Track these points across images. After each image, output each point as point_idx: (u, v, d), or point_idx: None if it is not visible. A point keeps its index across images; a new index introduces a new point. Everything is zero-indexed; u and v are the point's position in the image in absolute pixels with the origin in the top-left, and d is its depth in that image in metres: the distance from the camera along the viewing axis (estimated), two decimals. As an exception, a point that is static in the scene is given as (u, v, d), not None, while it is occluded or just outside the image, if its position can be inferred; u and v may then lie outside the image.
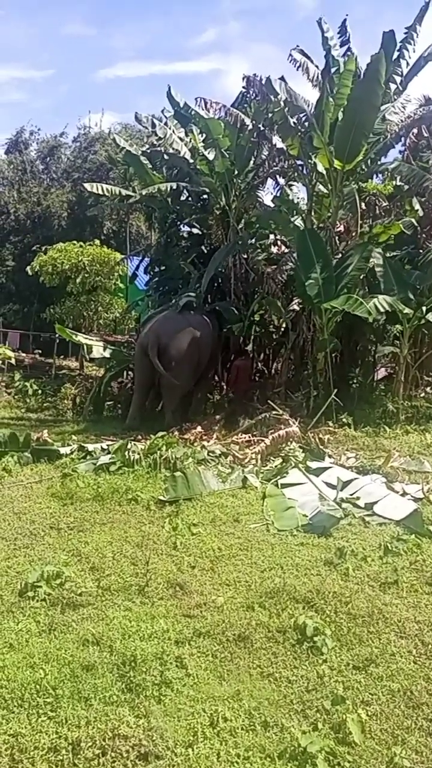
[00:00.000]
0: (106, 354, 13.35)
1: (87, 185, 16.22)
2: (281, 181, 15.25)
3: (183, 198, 15.72)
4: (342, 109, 11.52)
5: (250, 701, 3.54)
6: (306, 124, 12.37)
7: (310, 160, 12.78)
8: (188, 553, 5.43)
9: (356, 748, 3.22)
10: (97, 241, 19.20)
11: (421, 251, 13.38)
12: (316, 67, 12.95)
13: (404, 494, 7.16)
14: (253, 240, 15.19)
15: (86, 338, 13.69)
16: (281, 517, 6.33)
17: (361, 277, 11.95)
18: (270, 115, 12.54)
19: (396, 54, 11.84)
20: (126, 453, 8.03)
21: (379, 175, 13.98)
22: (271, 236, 15.55)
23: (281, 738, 3.28)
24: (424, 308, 11.61)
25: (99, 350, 13.28)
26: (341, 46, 12.95)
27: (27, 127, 31.28)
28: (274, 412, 10.17)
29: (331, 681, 3.73)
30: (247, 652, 4.02)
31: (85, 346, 13.30)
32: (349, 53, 12.71)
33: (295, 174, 14.28)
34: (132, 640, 4.04)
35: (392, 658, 3.94)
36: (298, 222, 13.79)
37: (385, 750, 3.20)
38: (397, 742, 3.27)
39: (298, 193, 15.46)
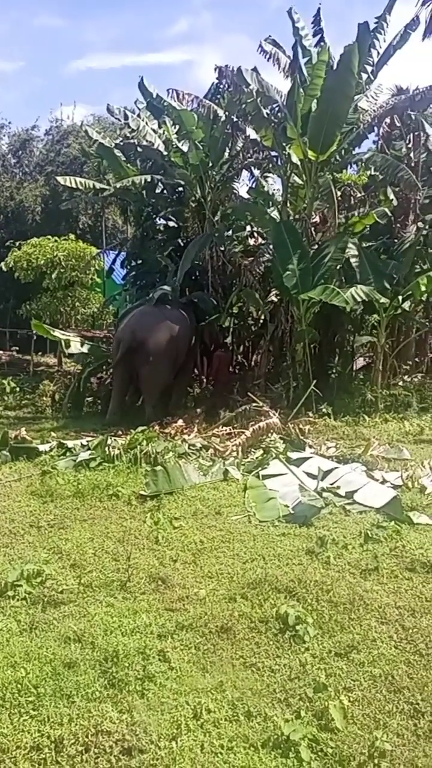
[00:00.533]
0: (84, 349, 13.24)
1: (60, 178, 16.02)
2: (256, 172, 15.23)
3: (158, 191, 15.62)
4: (315, 100, 11.52)
5: (233, 692, 3.54)
6: (279, 114, 12.36)
7: (284, 151, 12.77)
8: (170, 547, 5.42)
9: (339, 734, 3.24)
10: (72, 236, 18.97)
11: (396, 241, 13.50)
12: (288, 57, 12.93)
13: (384, 482, 7.24)
14: (230, 232, 15.17)
15: (63, 334, 13.56)
16: (263, 508, 6.35)
17: (338, 267, 12.01)
18: (243, 106, 12.51)
19: (367, 43, 11.84)
20: (106, 449, 7.98)
21: (353, 166, 14.05)
22: (248, 228, 15.55)
23: (264, 727, 3.29)
24: (400, 297, 11.72)
25: (77, 346, 13.16)
26: (314, 35, 12.94)
27: (-3, 121, 30.74)
28: (254, 404, 10.20)
29: (314, 669, 3.75)
30: (230, 644, 4.02)
31: (62, 342, 13.18)
32: (322, 43, 12.71)
33: (270, 165, 14.27)
34: (114, 636, 4.01)
35: (373, 644, 3.98)
36: (274, 213, 13.80)
37: (366, 734, 3.22)
38: (378, 726, 3.30)
39: (274, 184, 15.49)
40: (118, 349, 11.61)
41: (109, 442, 8.24)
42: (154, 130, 15.11)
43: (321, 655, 3.89)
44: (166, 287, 12.78)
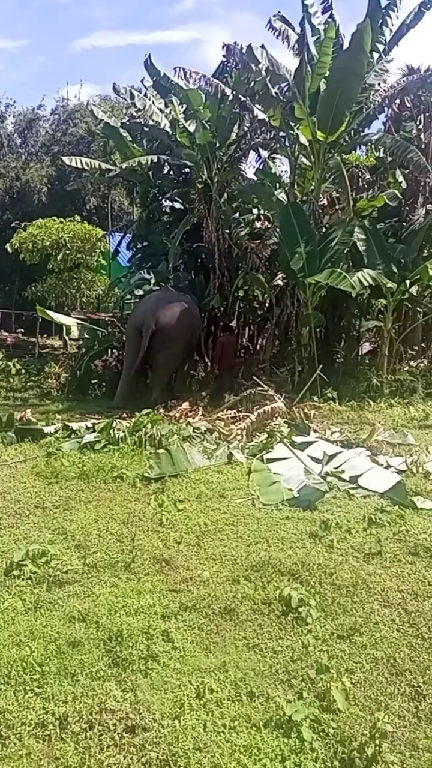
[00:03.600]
0: (85, 334, 13.26)
1: (66, 159, 15.88)
2: (263, 153, 15.03)
3: (164, 171, 15.45)
4: (324, 79, 11.32)
5: (236, 672, 3.57)
6: (288, 94, 12.15)
7: (292, 132, 12.58)
8: (174, 529, 5.44)
9: (340, 715, 3.27)
10: (78, 217, 18.84)
11: (404, 224, 13.35)
12: (297, 35, 12.67)
13: (388, 467, 7.23)
14: (236, 214, 15.02)
15: (66, 319, 13.56)
16: (267, 491, 6.36)
17: (345, 251, 11.89)
18: (251, 84, 12.30)
19: (379, 21, 11.59)
20: (111, 431, 7.99)
21: (362, 147, 13.84)
22: (254, 210, 15.39)
23: (267, 707, 3.32)
24: (407, 282, 11.61)
25: (77, 331, 13.21)
26: (323, 12, 12.64)
27: (2, 100, 30.46)
28: (259, 388, 10.18)
29: (316, 650, 3.78)
30: (233, 625, 4.05)
31: (64, 326, 13.21)
32: (330, 20, 12.42)
33: (278, 146, 14.08)
34: (118, 616, 4.04)
35: (376, 627, 4.00)
36: (281, 195, 13.64)
37: (368, 716, 3.25)
38: (380, 708, 3.32)
39: (281, 165, 15.29)
40: (135, 334, 11.54)
41: (114, 424, 8.24)
42: (160, 110, 14.90)
43: (323, 637, 3.91)
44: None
